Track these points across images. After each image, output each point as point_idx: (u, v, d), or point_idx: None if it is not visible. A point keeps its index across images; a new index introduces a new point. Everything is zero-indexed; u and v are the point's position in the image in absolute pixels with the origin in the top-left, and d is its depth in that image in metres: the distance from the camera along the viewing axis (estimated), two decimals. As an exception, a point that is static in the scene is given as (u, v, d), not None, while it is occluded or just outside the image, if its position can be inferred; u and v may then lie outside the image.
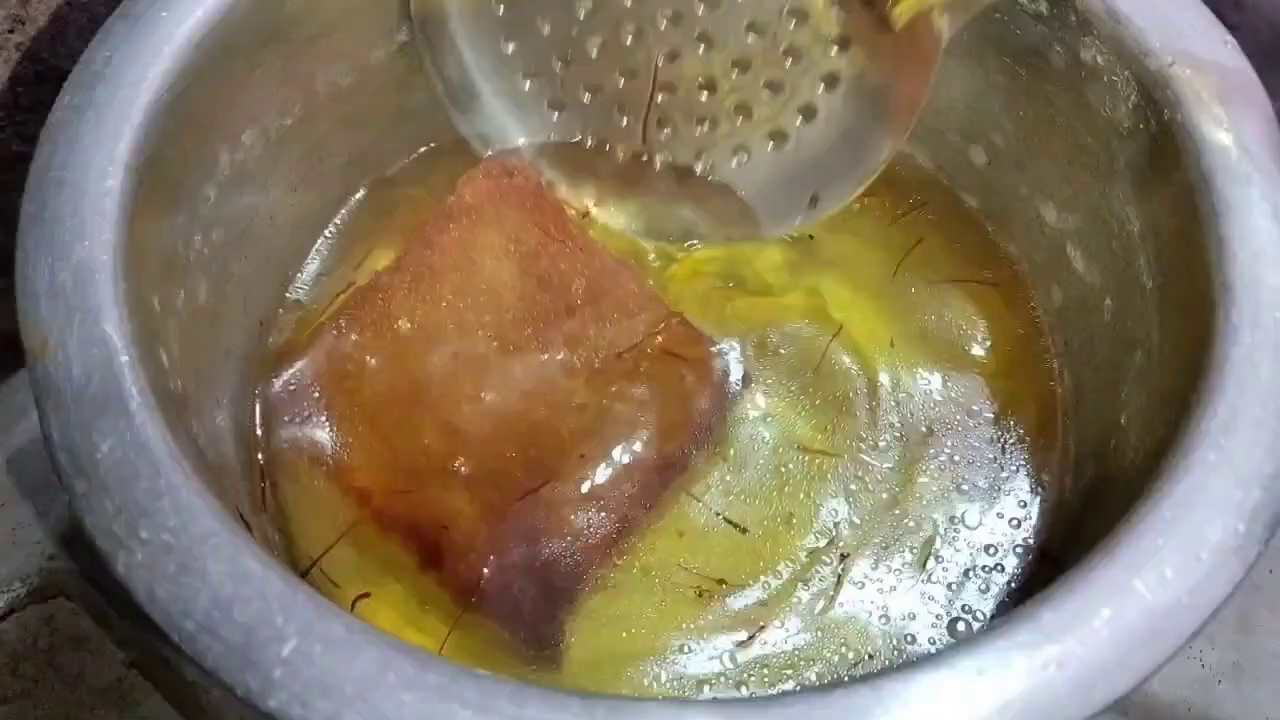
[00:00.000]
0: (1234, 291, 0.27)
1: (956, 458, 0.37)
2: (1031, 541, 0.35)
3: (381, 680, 0.22)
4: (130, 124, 0.28)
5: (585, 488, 0.34)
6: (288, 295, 0.39)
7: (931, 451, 0.37)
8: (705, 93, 0.38)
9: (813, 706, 0.22)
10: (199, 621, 0.22)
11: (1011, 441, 0.37)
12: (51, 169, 0.27)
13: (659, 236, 0.41)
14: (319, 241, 0.40)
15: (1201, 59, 0.31)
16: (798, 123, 0.37)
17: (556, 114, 0.40)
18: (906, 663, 0.23)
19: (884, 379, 0.38)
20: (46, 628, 0.38)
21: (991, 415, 0.37)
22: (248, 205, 0.34)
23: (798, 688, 0.32)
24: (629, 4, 0.37)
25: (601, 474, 0.34)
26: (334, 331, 0.36)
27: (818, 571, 0.35)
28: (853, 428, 0.37)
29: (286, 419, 0.35)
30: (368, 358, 0.36)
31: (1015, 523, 0.35)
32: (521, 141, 0.40)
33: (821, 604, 0.34)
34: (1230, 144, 0.30)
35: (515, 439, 0.35)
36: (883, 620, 0.34)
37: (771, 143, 0.38)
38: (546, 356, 0.36)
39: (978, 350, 0.39)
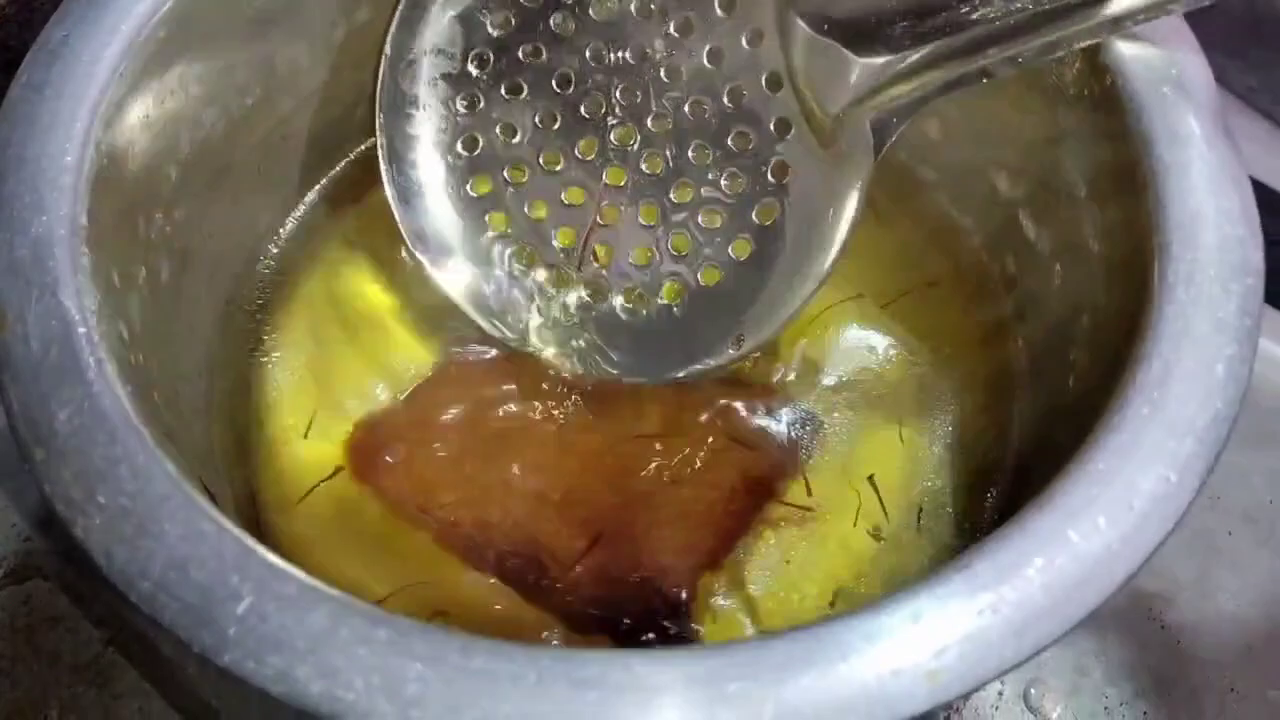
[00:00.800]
0: (1170, 251, 0.28)
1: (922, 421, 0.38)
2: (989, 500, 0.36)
3: (335, 635, 0.22)
4: (87, 101, 0.28)
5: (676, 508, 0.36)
6: (256, 274, 0.39)
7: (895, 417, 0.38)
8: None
9: (757, 653, 0.23)
10: (155, 581, 0.23)
11: (969, 409, 0.38)
12: (10, 146, 0.27)
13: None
14: (286, 222, 0.40)
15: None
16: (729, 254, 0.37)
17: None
18: (846, 611, 0.23)
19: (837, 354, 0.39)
20: (24, 608, 0.38)
21: (952, 384, 0.38)
22: (209, 184, 0.35)
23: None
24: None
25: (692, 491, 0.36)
26: (423, 387, 0.38)
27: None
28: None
29: (361, 464, 0.36)
30: (453, 408, 0.37)
31: (973, 485, 0.36)
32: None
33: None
34: (1170, 109, 0.30)
35: (603, 473, 0.36)
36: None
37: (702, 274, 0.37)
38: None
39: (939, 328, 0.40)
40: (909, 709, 0.22)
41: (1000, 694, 0.40)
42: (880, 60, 0.33)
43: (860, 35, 0.34)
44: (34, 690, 0.37)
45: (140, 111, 0.30)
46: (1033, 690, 0.40)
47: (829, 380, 0.39)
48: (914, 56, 0.33)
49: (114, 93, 0.29)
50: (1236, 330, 0.27)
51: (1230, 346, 0.26)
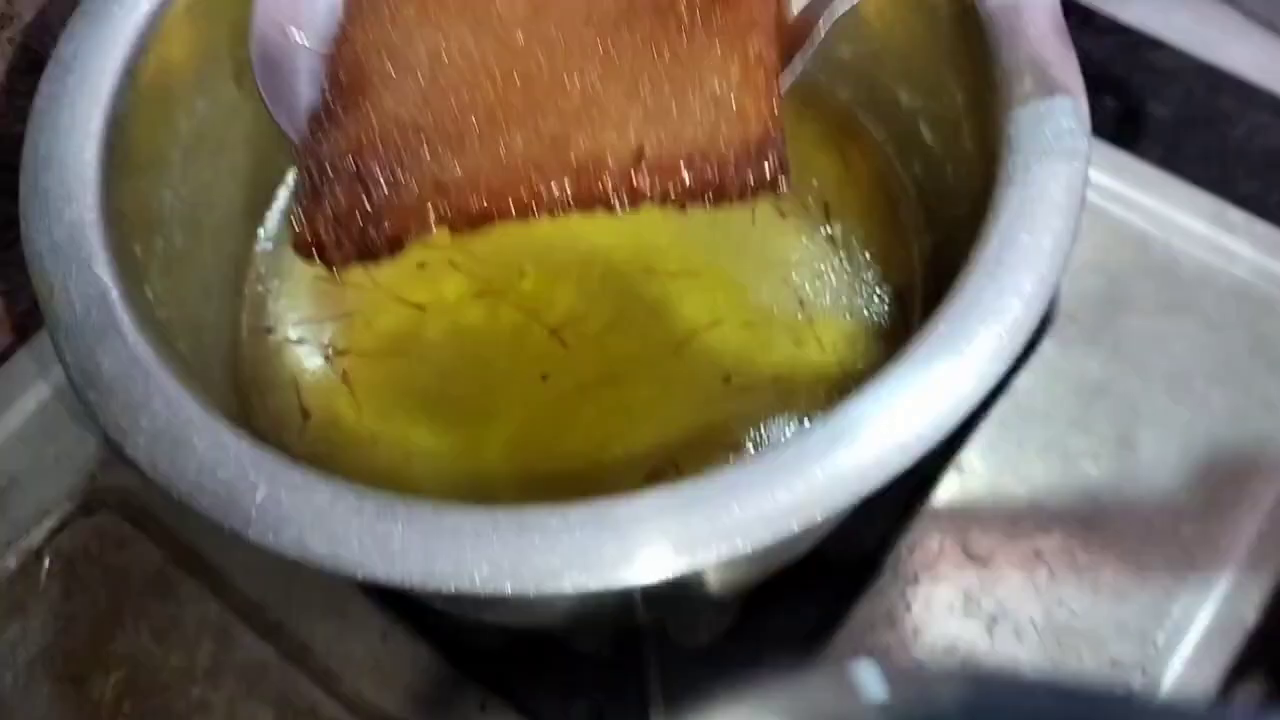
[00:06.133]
0: (1013, 143, 0.33)
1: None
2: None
3: (333, 511, 0.28)
4: (99, 106, 0.34)
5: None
6: (258, 237, 0.45)
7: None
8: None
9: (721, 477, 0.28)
10: (191, 481, 0.29)
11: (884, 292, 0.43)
12: (39, 148, 0.33)
13: None
14: (281, 189, 0.46)
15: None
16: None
17: None
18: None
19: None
20: (95, 535, 0.45)
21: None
22: (209, 163, 0.40)
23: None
24: None
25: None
26: None
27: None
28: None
29: None
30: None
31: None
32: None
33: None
34: (1014, 21, 0.35)
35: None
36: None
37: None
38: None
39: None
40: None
41: (940, 546, 0.45)
42: None
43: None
44: (110, 604, 0.44)
45: (143, 109, 0.36)
46: (970, 539, 0.46)
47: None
48: None
49: (120, 96, 0.35)
50: (1062, 208, 0.32)
51: (1056, 220, 0.31)
